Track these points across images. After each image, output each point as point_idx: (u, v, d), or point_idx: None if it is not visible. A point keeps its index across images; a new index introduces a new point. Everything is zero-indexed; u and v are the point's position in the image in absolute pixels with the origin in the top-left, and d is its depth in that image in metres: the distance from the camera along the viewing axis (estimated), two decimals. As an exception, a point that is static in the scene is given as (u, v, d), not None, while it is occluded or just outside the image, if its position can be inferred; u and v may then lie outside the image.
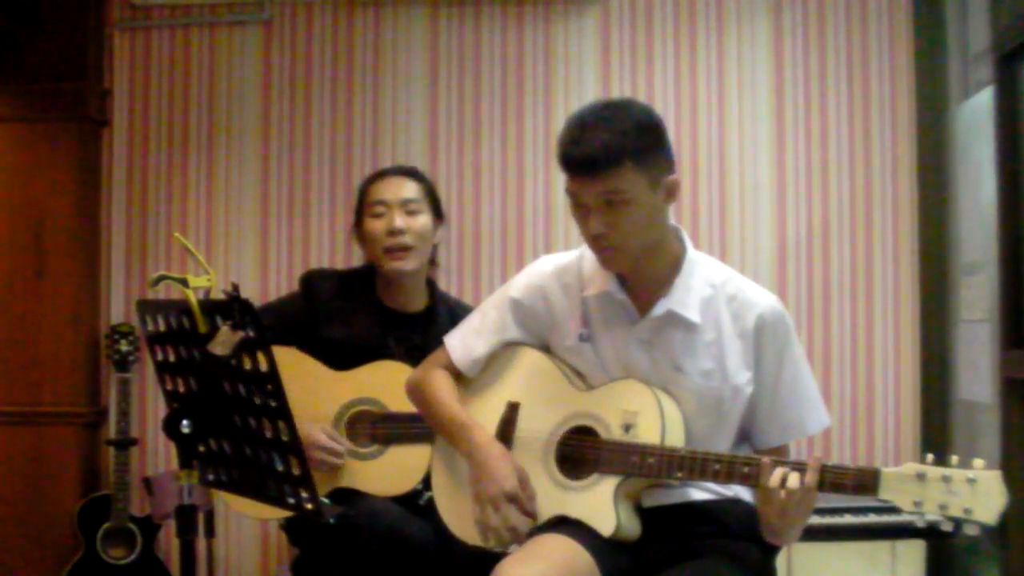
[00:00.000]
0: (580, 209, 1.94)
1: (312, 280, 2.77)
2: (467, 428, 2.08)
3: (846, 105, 3.63)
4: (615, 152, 1.86)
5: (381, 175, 2.81)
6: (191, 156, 3.79)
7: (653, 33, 3.69)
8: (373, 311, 2.71)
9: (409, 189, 2.73)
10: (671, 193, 1.95)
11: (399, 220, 2.68)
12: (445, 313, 2.75)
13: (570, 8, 3.71)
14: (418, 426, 2.44)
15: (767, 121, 3.64)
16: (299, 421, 2.47)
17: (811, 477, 1.76)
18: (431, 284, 2.82)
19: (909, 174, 3.59)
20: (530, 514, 1.98)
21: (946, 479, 1.67)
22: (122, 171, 3.81)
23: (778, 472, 1.78)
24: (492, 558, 1.91)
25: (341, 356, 2.63)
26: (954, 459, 1.69)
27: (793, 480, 1.76)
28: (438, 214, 2.78)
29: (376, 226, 2.70)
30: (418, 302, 2.77)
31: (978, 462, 1.67)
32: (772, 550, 2.05)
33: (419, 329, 2.71)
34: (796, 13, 3.66)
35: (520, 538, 1.97)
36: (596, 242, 1.94)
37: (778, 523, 1.80)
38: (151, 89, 3.80)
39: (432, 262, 2.82)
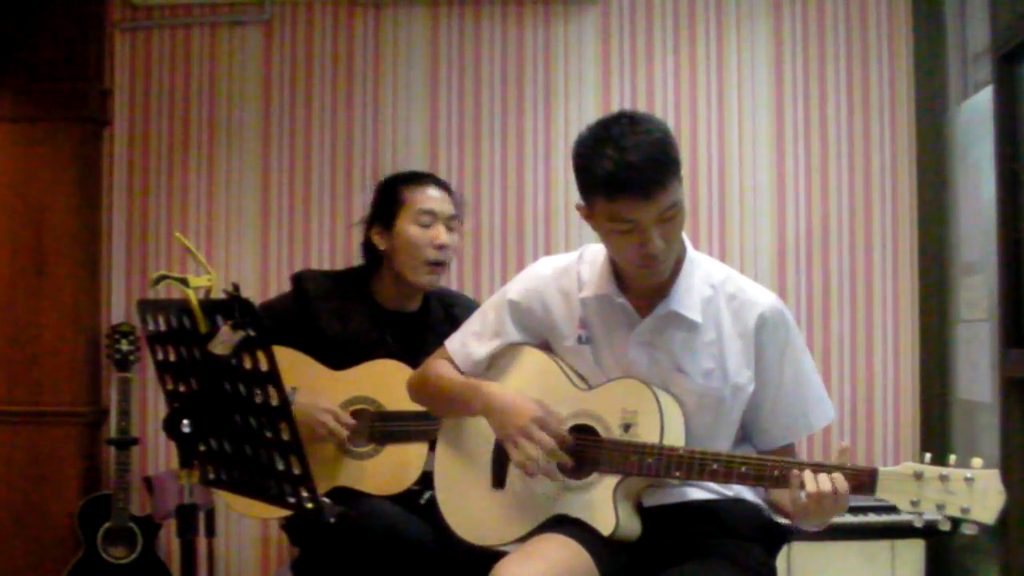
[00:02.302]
0: (628, 232, 1.88)
1: (303, 279, 2.77)
2: (475, 385, 2.09)
3: (846, 105, 3.63)
4: (665, 167, 1.84)
5: (425, 182, 2.75)
6: (191, 156, 3.79)
7: (653, 33, 3.70)
8: (367, 309, 2.71)
9: (452, 205, 2.73)
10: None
11: (445, 235, 2.67)
12: (440, 308, 2.76)
13: (570, 8, 3.71)
14: (415, 424, 2.46)
15: (767, 121, 3.65)
16: (300, 395, 2.50)
17: (811, 485, 1.76)
18: None
19: (909, 174, 3.59)
20: (560, 437, 1.96)
21: (944, 478, 1.66)
22: (123, 171, 3.81)
23: (795, 478, 1.77)
24: (492, 558, 1.91)
25: (336, 354, 2.63)
26: (952, 458, 1.69)
27: (811, 485, 1.75)
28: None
29: (422, 235, 2.65)
30: (413, 301, 2.78)
31: (976, 461, 1.66)
32: (773, 550, 2.05)
33: (414, 326, 2.71)
34: (796, 13, 3.66)
35: (561, 463, 1.96)
36: (651, 260, 1.90)
37: (814, 521, 1.81)
38: (151, 89, 3.81)
39: None
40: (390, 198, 2.73)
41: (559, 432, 1.97)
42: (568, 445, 1.98)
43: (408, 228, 2.68)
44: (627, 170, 1.82)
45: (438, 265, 2.67)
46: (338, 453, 2.61)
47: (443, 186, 2.78)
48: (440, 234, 2.66)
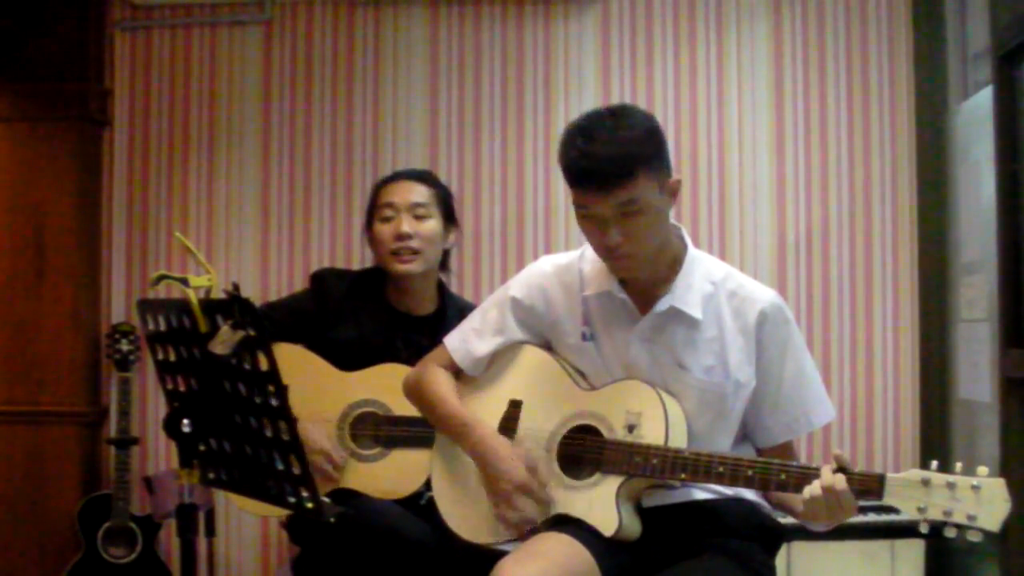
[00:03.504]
0: (591, 221, 1.92)
1: (323, 279, 2.78)
2: (468, 425, 2.08)
3: (846, 105, 3.63)
4: (628, 163, 1.85)
5: (393, 178, 2.82)
6: (192, 156, 3.79)
7: (653, 33, 3.70)
8: (382, 313, 2.71)
9: (418, 193, 2.73)
10: (674, 193, 1.96)
11: (406, 225, 2.68)
12: (455, 316, 2.73)
13: (570, 8, 3.71)
14: (422, 429, 2.45)
15: (767, 121, 3.65)
16: (303, 422, 2.50)
17: (815, 489, 1.76)
18: (441, 287, 2.82)
19: (909, 174, 3.59)
20: (544, 501, 1.98)
21: (951, 486, 1.67)
22: (123, 171, 3.81)
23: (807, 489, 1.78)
24: (492, 557, 1.91)
25: (349, 356, 2.64)
26: (958, 466, 1.70)
27: (815, 489, 1.76)
28: (450, 219, 2.79)
29: (384, 230, 2.71)
30: (427, 305, 2.78)
31: (982, 469, 1.67)
32: (772, 548, 2.05)
33: (428, 332, 2.70)
34: (796, 13, 3.66)
35: (537, 526, 1.98)
36: (611, 252, 1.93)
37: (822, 522, 1.81)
38: (152, 89, 3.80)
39: (444, 267, 2.82)
40: (369, 202, 2.82)
41: (542, 497, 1.98)
42: (547, 514, 1.99)
43: (376, 226, 2.75)
44: (587, 161, 1.87)
45: (404, 254, 2.67)
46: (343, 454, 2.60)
47: (415, 177, 2.80)
48: (399, 224, 2.68)
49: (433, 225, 2.72)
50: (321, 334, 2.67)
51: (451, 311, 2.77)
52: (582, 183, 1.89)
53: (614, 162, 1.85)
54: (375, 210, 2.76)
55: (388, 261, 2.70)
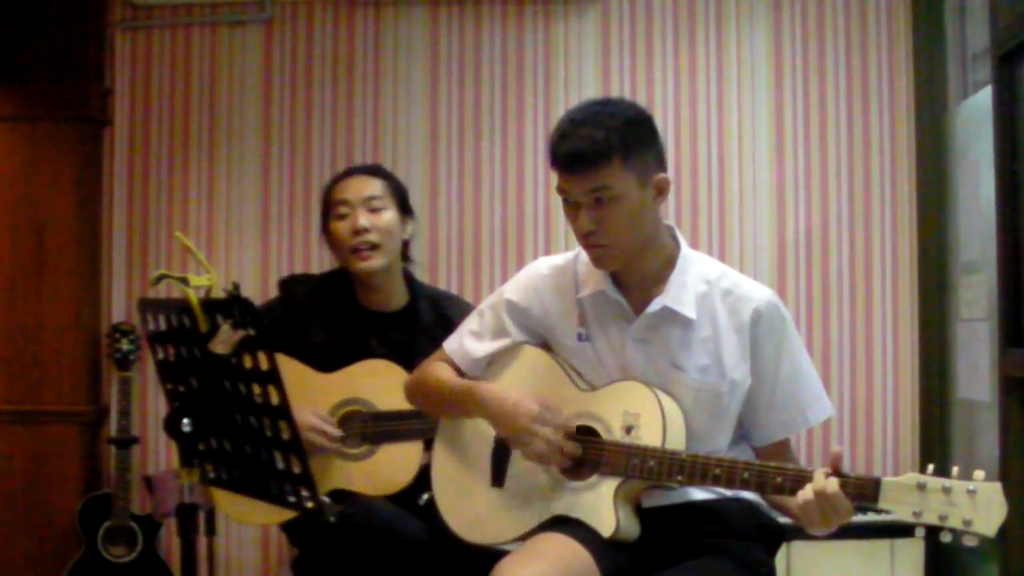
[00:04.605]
0: (570, 207, 1.95)
1: (290, 285, 2.76)
2: (470, 389, 2.09)
3: (845, 105, 3.63)
4: (603, 148, 1.87)
5: (344, 176, 2.77)
6: (192, 155, 3.79)
7: (653, 33, 3.70)
8: (352, 314, 2.69)
9: (371, 187, 2.69)
10: (661, 191, 1.96)
11: (363, 219, 2.64)
12: (427, 307, 2.73)
13: (570, 8, 3.72)
14: (408, 423, 2.45)
15: (767, 121, 3.65)
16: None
17: (807, 493, 1.76)
18: (409, 279, 2.79)
19: (908, 174, 3.60)
20: (563, 429, 1.98)
21: (946, 490, 1.67)
22: (123, 170, 3.81)
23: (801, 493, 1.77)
24: (492, 557, 1.91)
25: (324, 359, 2.62)
26: (955, 470, 1.69)
27: (808, 493, 1.75)
28: (406, 211, 2.75)
29: (341, 227, 2.67)
30: (397, 300, 2.75)
31: (978, 473, 1.66)
32: (772, 549, 2.05)
33: (400, 327, 2.69)
34: (796, 13, 3.66)
35: (570, 452, 1.97)
36: (586, 240, 1.95)
37: (819, 527, 1.80)
38: (152, 89, 3.81)
39: (405, 258, 2.79)
40: (322, 204, 2.77)
41: (560, 424, 1.98)
42: (572, 434, 1.99)
43: (332, 225, 2.70)
44: (565, 144, 1.90)
45: (364, 249, 2.64)
46: (332, 455, 2.60)
47: (365, 171, 2.77)
48: (356, 219, 2.65)
49: (390, 217, 2.68)
50: (294, 340, 2.64)
51: (422, 302, 2.74)
52: (560, 166, 1.93)
53: (585, 145, 1.87)
54: (329, 209, 2.72)
55: (349, 260, 2.66)
